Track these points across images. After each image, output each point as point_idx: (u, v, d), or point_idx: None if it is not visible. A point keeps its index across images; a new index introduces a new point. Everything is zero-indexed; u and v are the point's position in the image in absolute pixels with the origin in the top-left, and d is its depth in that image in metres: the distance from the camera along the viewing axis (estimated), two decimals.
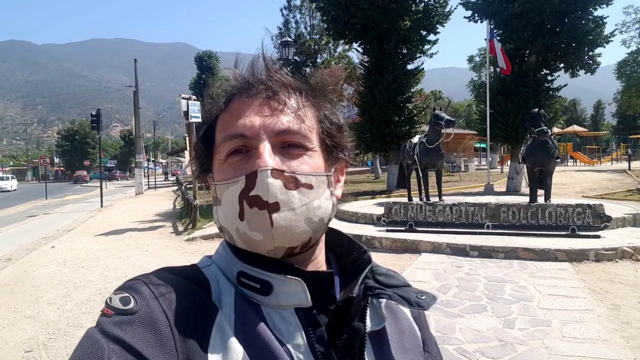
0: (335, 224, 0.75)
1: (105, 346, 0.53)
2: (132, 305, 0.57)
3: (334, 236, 0.78)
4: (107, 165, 71.93)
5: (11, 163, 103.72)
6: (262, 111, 0.66)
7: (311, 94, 0.71)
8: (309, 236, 0.65)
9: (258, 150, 0.64)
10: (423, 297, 0.70)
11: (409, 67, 19.75)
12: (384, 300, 0.72)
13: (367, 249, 0.74)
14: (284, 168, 0.63)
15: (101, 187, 23.60)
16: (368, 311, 0.68)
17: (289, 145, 0.66)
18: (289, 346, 0.61)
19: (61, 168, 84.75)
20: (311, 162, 0.67)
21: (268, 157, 0.63)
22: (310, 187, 0.65)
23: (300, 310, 0.63)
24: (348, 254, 0.75)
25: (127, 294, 0.58)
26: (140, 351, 0.53)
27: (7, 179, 46.33)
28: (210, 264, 0.70)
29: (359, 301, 0.67)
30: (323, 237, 0.72)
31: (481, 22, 17.68)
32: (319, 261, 0.71)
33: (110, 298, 0.58)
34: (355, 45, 22.21)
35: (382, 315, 0.71)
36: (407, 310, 0.78)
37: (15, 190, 43.53)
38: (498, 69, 17.66)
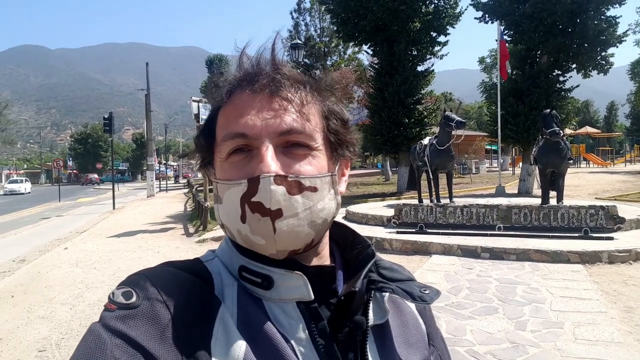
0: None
1: (108, 340, 0.53)
2: (134, 299, 0.57)
3: (338, 229, 0.76)
4: (119, 167, 72.38)
5: (25, 166, 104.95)
6: (264, 109, 0.64)
7: (316, 87, 0.69)
8: (311, 238, 0.64)
9: (260, 152, 0.62)
10: (427, 292, 0.70)
11: (419, 68, 19.70)
12: (387, 294, 0.71)
13: (370, 243, 0.73)
14: (287, 173, 0.61)
15: (113, 189, 23.81)
16: (371, 305, 0.67)
17: (292, 144, 0.64)
18: (291, 339, 0.60)
19: (74, 171, 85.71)
20: (315, 163, 0.65)
21: (271, 161, 0.60)
22: (314, 189, 0.63)
23: (302, 304, 0.63)
24: (352, 248, 0.74)
25: (129, 289, 0.59)
26: (143, 345, 0.53)
27: (21, 181, 46.98)
28: (214, 258, 0.70)
29: (362, 295, 0.67)
30: (327, 233, 0.71)
31: (492, 22, 17.58)
32: (322, 256, 0.70)
33: (113, 293, 0.59)
34: (365, 47, 22.23)
35: (385, 309, 0.70)
36: (412, 305, 0.76)
37: (29, 193, 44.09)
38: (509, 70, 17.56)
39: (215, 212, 0.69)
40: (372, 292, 0.69)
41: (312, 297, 0.63)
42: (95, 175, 67.49)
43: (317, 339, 0.61)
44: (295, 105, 0.65)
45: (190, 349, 0.56)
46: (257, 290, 0.64)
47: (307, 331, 0.62)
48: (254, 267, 0.65)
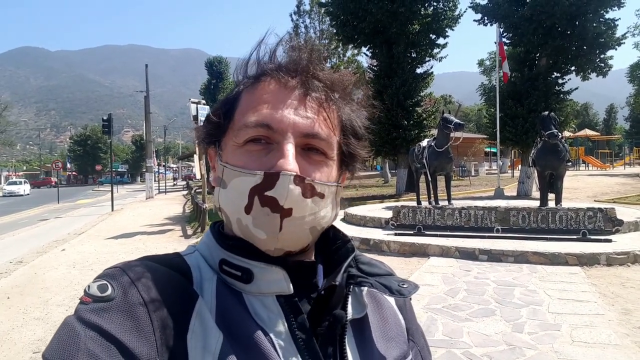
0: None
1: (81, 333, 0.52)
2: (109, 292, 0.56)
3: None
4: (119, 169, 72.41)
5: (24, 168, 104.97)
6: (295, 106, 0.63)
7: (343, 96, 0.69)
8: (308, 242, 0.66)
9: (283, 149, 0.61)
10: (405, 286, 0.70)
11: (418, 71, 19.75)
12: (365, 289, 0.71)
13: (350, 238, 0.73)
14: (305, 175, 0.62)
15: (112, 191, 23.82)
16: (350, 299, 0.68)
17: (310, 148, 0.64)
18: (270, 333, 0.60)
19: (74, 173, 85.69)
20: (327, 171, 0.66)
21: (292, 160, 0.60)
22: (322, 196, 0.64)
23: (282, 298, 0.63)
24: (332, 243, 0.74)
25: (105, 282, 0.58)
26: (117, 337, 0.52)
27: (21, 183, 46.99)
28: (194, 251, 0.70)
29: (341, 289, 0.67)
30: None
31: (491, 25, 17.59)
32: (305, 255, 0.71)
33: (89, 286, 0.58)
34: (364, 49, 22.27)
35: (364, 303, 0.71)
36: (391, 300, 0.77)
37: (28, 194, 44.10)
38: (508, 72, 17.56)
39: (215, 195, 0.68)
40: (351, 286, 0.69)
41: (292, 291, 0.63)
42: (53, 179, 64.86)
43: (296, 332, 0.61)
44: (324, 111, 0.65)
45: (165, 342, 0.55)
46: (237, 284, 0.64)
47: (286, 325, 0.62)
48: (235, 261, 0.64)
